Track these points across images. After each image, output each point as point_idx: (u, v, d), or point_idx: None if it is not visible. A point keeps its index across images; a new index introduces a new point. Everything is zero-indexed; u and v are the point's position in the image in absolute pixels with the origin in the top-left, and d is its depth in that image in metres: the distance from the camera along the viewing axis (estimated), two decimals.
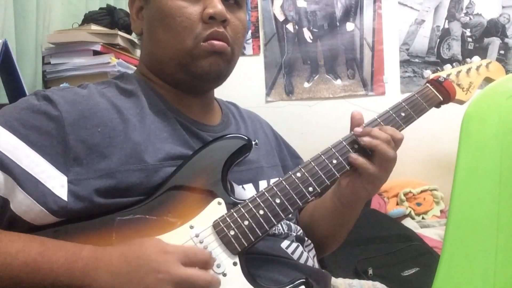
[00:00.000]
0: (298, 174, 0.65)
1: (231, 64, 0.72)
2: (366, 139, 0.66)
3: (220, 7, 0.67)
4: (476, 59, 0.89)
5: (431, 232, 1.70)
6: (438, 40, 2.17)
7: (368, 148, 0.67)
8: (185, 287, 0.51)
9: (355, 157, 0.67)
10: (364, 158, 0.67)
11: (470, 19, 2.14)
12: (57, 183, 0.57)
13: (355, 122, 0.71)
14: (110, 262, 0.52)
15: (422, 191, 1.98)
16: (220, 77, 0.72)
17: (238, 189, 0.70)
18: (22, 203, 0.56)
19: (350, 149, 0.69)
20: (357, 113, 0.71)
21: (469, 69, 0.85)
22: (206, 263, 0.54)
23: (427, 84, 0.81)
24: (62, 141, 0.59)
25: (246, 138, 0.67)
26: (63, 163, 0.59)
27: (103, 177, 0.59)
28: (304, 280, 0.59)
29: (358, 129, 0.68)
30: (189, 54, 0.68)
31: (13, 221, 0.57)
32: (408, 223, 1.82)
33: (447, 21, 2.16)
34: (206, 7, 0.67)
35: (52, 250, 0.53)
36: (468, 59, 0.88)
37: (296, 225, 0.76)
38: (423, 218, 1.93)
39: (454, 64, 0.87)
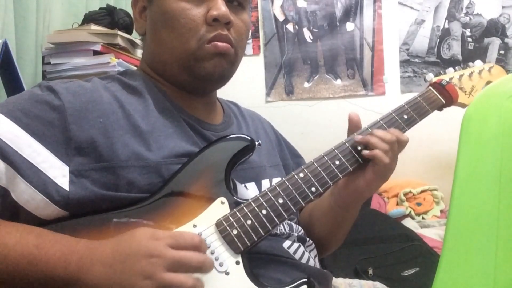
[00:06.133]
0: (301, 175, 0.66)
1: (234, 66, 0.73)
2: (365, 152, 0.68)
3: (224, 9, 0.67)
4: (478, 63, 0.89)
5: (431, 232, 1.70)
6: (438, 40, 2.17)
7: (366, 156, 0.68)
8: (178, 268, 0.51)
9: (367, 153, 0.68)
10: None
11: (470, 19, 2.14)
12: (58, 172, 0.58)
13: (352, 125, 0.72)
14: (103, 254, 0.52)
15: (422, 191, 1.98)
16: (223, 78, 0.73)
17: (240, 188, 0.70)
18: (24, 192, 0.56)
19: (352, 151, 0.69)
20: (354, 114, 0.71)
21: (471, 73, 0.86)
22: (195, 247, 0.53)
23: (430, 87, 0.82)
24: (64, 131, 0.59)
25: (250, 138, 0.67)
26: (64, 153, 0.59)
27: (104, 170, 0.59)
28: (306, 280, 0.59)
29: (358, 137, 0.69)
30: (193, 56, 0.68)
31: (16, 211, 0.57)
32: (408, 223, 1.82)
33: (447, 21, 2.16)
34: (210, 9, 0.67)
35: (49, 243, 0.54)
36: (470, 63, 0.89)
37: (297, 225, 0.76)
38: (423, 218, 1.93)
39: (456, 68, 0.88)
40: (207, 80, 0.71)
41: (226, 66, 0.70)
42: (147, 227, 0.57)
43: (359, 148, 0.69)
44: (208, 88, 0.75)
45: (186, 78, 0.71)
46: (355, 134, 0.71)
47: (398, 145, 0.69)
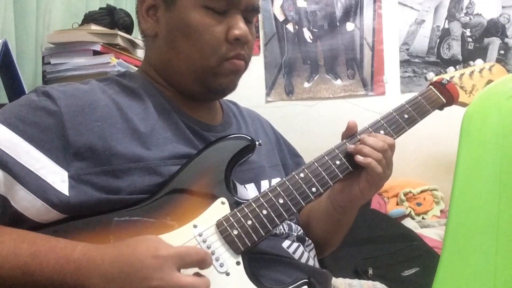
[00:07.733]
0: (302, 175, 0.66)
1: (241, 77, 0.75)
2: (359, 158, 0.67)
3: (244, 28, 0.68)
4: (479, 62, 0.89)
5: (431, 232, 1.70)
6: (438, 40, 2.17)
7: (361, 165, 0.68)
8: None
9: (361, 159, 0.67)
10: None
11: (470, 19, 2.14)
12: (58, 178, 0.57)
13: (345, 133, 0.72)
14: (102, 266, 0.50)
15: (422, 191, 1.98)
16: (232, 91, 0.75)
17: (240, 188, 0.70)
18: (23, 199, 0.56)
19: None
20: (354, 124, 0.72)
21: (472, 72, 0.86)
22: (202, 262, 0.52)
23: (430, 86, 0.82)
24: (62, 136, 0.59)
25: (250, 138, 0.67)
26: (63, 158, 0.58)
27: (103, 174, 0.59)
28: (306, 280, 0.59)
29: (351, 146, 0.69)
30: (212, 71, 0.69)
31: (16, 218, 0.57)
32: (408, 223, 1.82)
33: (447, 21, 2.17)
34: (231, 28, 0.67)
35: (44, 252, 0.53)
36: (471, 62, 0.89)
37: (296, 225, 0.77)
38: (423, 218, 1.93)
39: (457, 67, 0.87)
40: (219, 94, 0.74)
41: (237, 81, 0.73)
42: (148, 224, 0.56)
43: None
44: (216, 99, 0.78)
45: (197, 89, 0.71)
46: (346, 142, 0.70)
47: (390, 150, 0.69)
